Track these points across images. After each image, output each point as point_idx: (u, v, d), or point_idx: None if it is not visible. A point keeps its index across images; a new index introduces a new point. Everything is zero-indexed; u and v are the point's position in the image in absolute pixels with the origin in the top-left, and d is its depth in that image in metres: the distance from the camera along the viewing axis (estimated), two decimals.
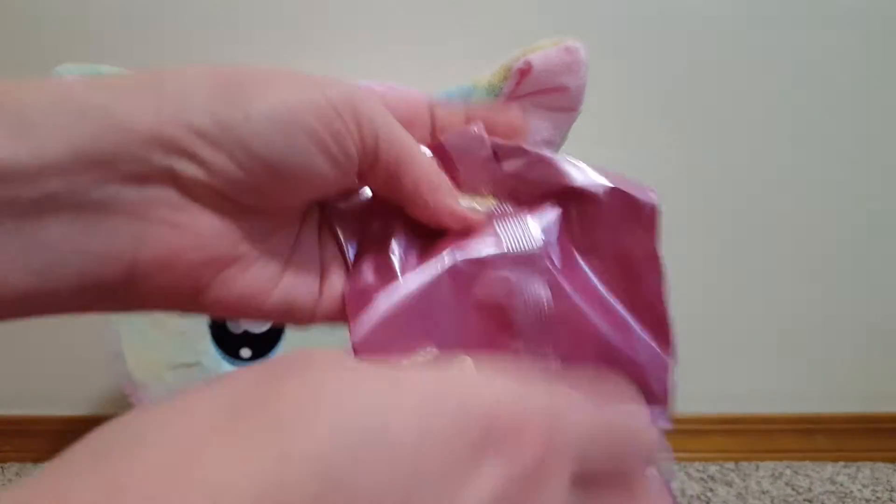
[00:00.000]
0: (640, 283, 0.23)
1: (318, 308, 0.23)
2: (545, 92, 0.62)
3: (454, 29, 0.84)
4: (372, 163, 0.20)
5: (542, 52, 0.60)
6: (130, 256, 0.18)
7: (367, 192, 0.24)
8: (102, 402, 0.93)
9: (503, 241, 0.23)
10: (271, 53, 0.82)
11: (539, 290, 0.23)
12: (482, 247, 0.23)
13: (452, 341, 0.22)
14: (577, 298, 0.23)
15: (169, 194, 0.18)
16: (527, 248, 0.23)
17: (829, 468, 0.85)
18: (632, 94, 0.86)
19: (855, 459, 0.87)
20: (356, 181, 0.21)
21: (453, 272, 0.22)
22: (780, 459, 0.87)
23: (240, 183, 0.18)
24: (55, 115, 0.16)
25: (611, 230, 0.23)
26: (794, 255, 0.88)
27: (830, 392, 0.90)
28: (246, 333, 0.68)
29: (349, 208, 0.24)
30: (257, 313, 0.21)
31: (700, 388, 0.90)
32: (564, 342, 0.23)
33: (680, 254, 0.89)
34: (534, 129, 0.65)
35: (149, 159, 0.17)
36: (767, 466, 0.85)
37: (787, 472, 0.84)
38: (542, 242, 0.23)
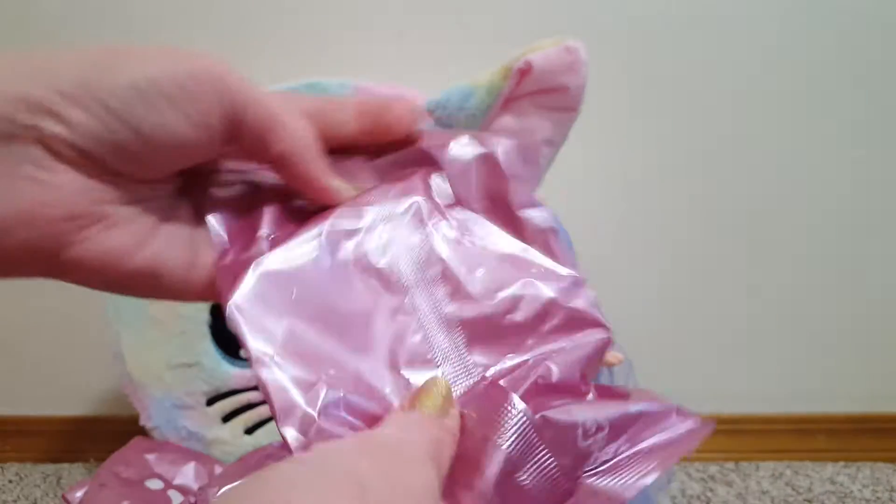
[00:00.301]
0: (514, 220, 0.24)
1: (189, 279, 0.23)
2: (545, 92, 0.62)
3: (454, 29, 0.84)
4: (237, 130, 0.21)
5: (543, 52, 0.60)
6: None
7: (249, 174, 0.25)
8: (102, 402, 0.93)
9: (373, 208, 0.23)
10: (269, 53, 0.82)
11: (413, 238, 0.23)
12: (354, 218, 0.23)
13: (340, 307, 0.22)
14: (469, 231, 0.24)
15: (34, 152, 0.19)
16: (395, 209, 0.24)
17: (829, 468, 0.85)
18: (632, 94, 0.85)
19: (855, 459, 0.87)
20: (222, 147, 0.22)
21: (330, 240, 0.22)
22: (781, 459, 0.87)
23: (103, 143, 0.19)
24: None
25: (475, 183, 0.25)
26: (794, 255, 0.88)
27: (830, 392, 0.90)
28: None
29: (225, 187, 0.24)
30: (119, 275, 0.21)
31: (700, 388, 0.90)
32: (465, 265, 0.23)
33: (680, 254, 0.89)
34: (534, 129, 0.65)
35: (13, 118, 0.18)
36: (767, 466, 0.85)
37: (788, 472, 0.84)
38: (412, 201, 0.24)
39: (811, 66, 0.84)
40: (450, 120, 0.66)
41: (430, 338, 0.22)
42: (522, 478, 0.19)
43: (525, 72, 0.61)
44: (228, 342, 0.68)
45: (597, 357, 0.23)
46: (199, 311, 0.66)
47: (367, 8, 0.82)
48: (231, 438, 0.67)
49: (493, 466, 0.19)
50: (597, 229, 0.87)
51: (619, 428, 0.21)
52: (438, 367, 0.22)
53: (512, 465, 0.19)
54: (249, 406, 0.68)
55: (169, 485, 0.62)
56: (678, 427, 0.22)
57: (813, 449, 0.88)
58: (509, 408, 0.20)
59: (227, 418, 0.68)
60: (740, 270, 0.88)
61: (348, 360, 0.21)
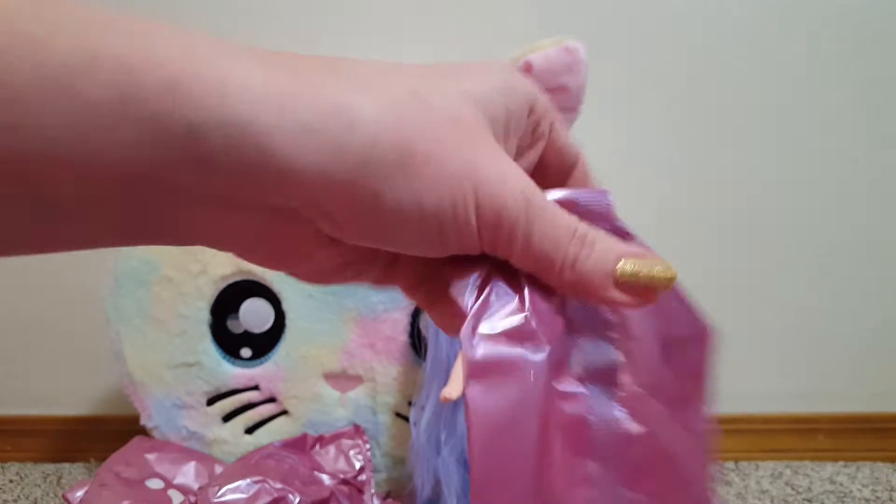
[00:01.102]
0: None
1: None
2: (545, 92, 0.63)
3: (454, 30, 0.84)
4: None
5: (543, 53, 0.60)
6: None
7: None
8: (103, 402, 0.93)
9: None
10: None
11: (613, 412, 0.21)
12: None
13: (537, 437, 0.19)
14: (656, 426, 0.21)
15: (307, 233, 0.19)
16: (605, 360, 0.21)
17: (828, 468, 0.85)
18: (632, 94, 0.86)
19: (854, 459, 0.87)
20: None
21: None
22: (780, 459, 0.87)
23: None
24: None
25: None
26: (793, 255, 0.88)
27: (830, 392, 0.90)
28: (246, 333, 0.68)
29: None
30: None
31: None
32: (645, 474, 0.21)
33: (679, 253, 0.89)
34: None
35: (297, 209, 0.18)
36: (767, 466, 0.85)
37: (787, 471, 0.84)
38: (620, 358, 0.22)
39: (811, 66, 0.85)
40: None
41: None
42: None
43: (525, 72, 0.61)
44: (229, 342, 0.68)
45: None
46: (200, 311, 0.66)
47: (367, 8, 0.82)
48: (231, 438, 0.67)
49: None
50: None
51: None
52: None
53: None
54: (250, 406, 0.68)
55: (169, 484, 0.62)
56: None
57: (812, 448, 0.88)
58: None
59: (227, 418, 0.68)
60: (740, 270, 0.89)
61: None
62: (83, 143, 0.14)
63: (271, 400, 0.68)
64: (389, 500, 0.66)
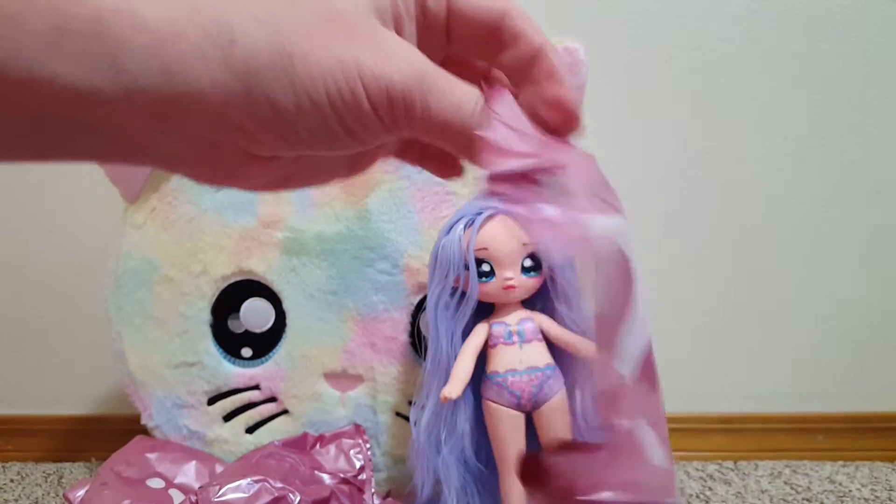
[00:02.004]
0: None
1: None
2: None
3: None
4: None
5: None
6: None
7: None
8: (104, 402, 0.93)
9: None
10: None
11: None
12: None
13: None
14: None
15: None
16: None
17: (827, 467, 0.85)
18: (631, 95, 0.86)
19: (853, 459, 0.87)
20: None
21: None
22: (779, 458, 0.87)
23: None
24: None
25: None
26: (793, 255, 0.88)
27: (829, 392, 0.90)
28: (247, 333, 0.68)
29: None
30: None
31: (699, 387, 0.90)
32: None
33: (678, 253, 0.89)
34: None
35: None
36: (766, 465, 0.86)
37: (786, 471, 0.84)
38: None
39: (811, 66, 0.85)
40: None
41: None
42: None
43: None
44: (229, 342, 0.68)
45: None
46: (201, 311, 0.67)
47: None
48: (232, 437, 0.68)
49: None
50: None
51: None
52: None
53: None
54: (250, 405, 0.68)
55: (170, 484, 0.62)
56: None
57: (811, 448, 0.88)
58: None
59: (227, 417, 0.68)
60: (739, 270, 0.89)
61: None
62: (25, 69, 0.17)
63: (272, 399, 0.68)
64: (390, 500, 0.66)
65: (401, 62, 0.19)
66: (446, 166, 0.25)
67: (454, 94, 0.20)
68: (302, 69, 0.18)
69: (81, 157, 0.20)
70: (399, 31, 0.21)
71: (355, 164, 0.25)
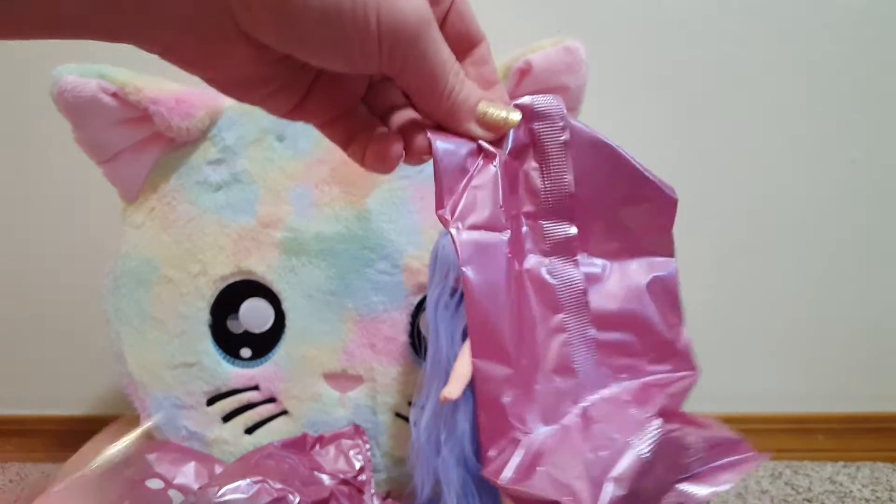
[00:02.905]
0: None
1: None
2: (545, 92, 0.63)
3: None
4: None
5: (542, 52, 0.60)
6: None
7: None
8: (103, 402, 0.93)
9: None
10: None
11: (572, 274, 0.28)
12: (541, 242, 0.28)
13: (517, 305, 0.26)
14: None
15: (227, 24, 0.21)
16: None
17: (828, 468, 0.85)
18: (632, 94, 0.86)
19: (854, 459, 0.87)
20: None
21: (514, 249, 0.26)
22: (780, 459, 0.87)
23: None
24: None
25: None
26: (793, 255, 0.88)
27: (830, 392, 0.90)
28: (246, 333, 0.68)
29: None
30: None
31: (699, 387, 0.90)
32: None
33: (678, 253, 0.89)
34: None
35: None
36: (767, 466, 0.86)
37: (787, 471, 0.84)
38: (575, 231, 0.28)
39: (811, 66, 0.85)
40: None
41: (576, 351, 0.28)
42: (644, 480, 0.24)
43: (525, 71, 0.61)
44: (228, 342, 0.68)
45: (686, 394, 0.31)
46: (200, 312, 0.67)
47: None
48: (231, 438, 0.68)
49: (625, 463, 0.24)
50: None
51: (712, 449, 0.28)
52: (578, 372, 0.28)
53: (641, 468, 0.24)
54: (249, 406, 0.68)
55: (169, 484, 0.62)
56: (745, 452, 0.29)
57: (812, 448, 0.88)
58: (651, 421, 0.26)
59: (227, 418, 0.68)
60: (739, 270, 0.89)
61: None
62: None
63: (271, 400, 0.68)
64: (389, 500, 0.66)
65: (417, 5, 0.21)
66: (372, 156, 0.26)
67: (445, 51, 0.23)
68: None
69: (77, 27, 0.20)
70: None
71: (303, 105, 0.26)
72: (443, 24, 0.24)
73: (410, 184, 0.66)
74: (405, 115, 0.27)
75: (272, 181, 0.66)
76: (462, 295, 0.60)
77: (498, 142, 0.26)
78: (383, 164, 0.26)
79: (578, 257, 0.29)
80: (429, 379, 0.60)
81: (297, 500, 0.55)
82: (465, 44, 0.25)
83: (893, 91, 0.85)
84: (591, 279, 0.29)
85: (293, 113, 0.26)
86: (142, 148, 0.65)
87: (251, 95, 0.25)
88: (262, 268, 0.66)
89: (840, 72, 0.84)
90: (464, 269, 0.24)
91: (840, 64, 0.84)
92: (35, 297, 0.92)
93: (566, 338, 0.28)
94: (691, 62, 0.85)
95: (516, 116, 0.25)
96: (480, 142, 0.25)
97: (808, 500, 0.76)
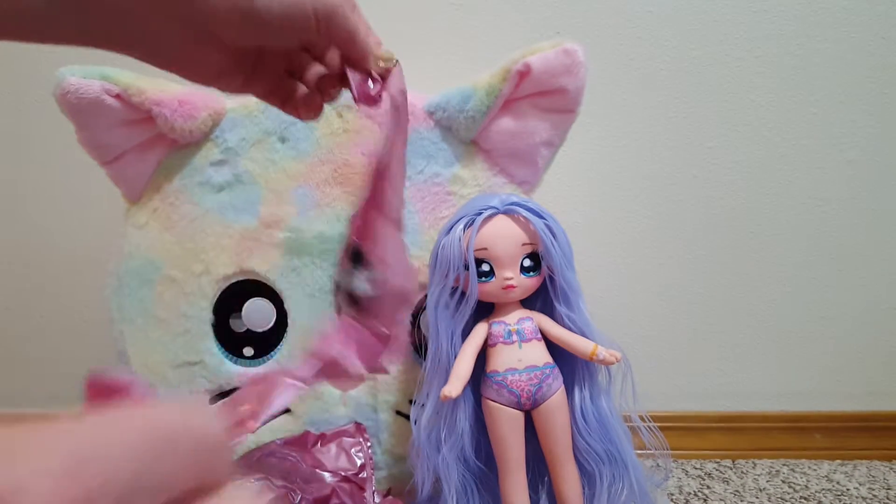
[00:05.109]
0: None
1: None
2: (544, 94, 0.63)
3: (452, 32, 0.85)
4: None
5: (541, 55, 0.61)
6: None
7: None
8: None
9: None
10: None
11: None
12: None
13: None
14: None
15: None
16: None
17: (825, 466, 0.86)
18: (630, 96, 0.86)
19: (851, 457, 0.88)
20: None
21: None
22: (777, 457, 0.88)
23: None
24: None
25: None
26: (791, 255, 0.89)
27: (827, 390, 0.91)
28: (248, 332, 0.68)
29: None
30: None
31: (698, 386, 0.91)
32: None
33: (678, 253, 0.90)
34: (533, 130, 0.65)
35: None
36: (764, 464, 0.86)
37: (784, 469, 0.85)
38: None
39: (810, 66, 0.85)
40: (449, 122, 0.67)
41: None
42: None
43: (524, 74, 0.61)
44: (231, 341, 0.69)
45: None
46: (203, 311, 0.67)
47: (369, 11, 0.82)
48: None
49: None
50: (596, 229, 0.87)
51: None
52: None
53: None
54: None
55: None
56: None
57: (809, 447, 0.89)
58: None
59: None
60: (738, 270, 0.89)
61: None
62: None
63: None
64: (390, 498, 0.67)
65: None
66: (304, 108, 0.37)
67: (363, 23, 0.35)
68: None
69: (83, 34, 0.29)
70: None
71: (249, 81, 0.35)
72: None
73: (410, 184, 0.67)
74: (315, 71, 0.36)
75: (274, 182, 0.67)
76: (462, 294, 0.60)
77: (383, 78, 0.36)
78: (315, 113, 0.37)
79: None
80: (429, 378, 0.61)
81: (299, 497, 0.56)
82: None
83: (891, 91, 0.85)
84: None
85: (242, 88, 0.35)
86: (145, 149, 0.66)
87: (215, 82, 0.33)
88: (265, 267, 0.67)
89: (838, 72, 0.85)
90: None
91: (839, 64, 0.85)
92: (35, 296, 0.92)
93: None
94: (690, 62, 0.85)
95: (391, 56, 0.36)
96: (373, 72, 0.36)
97: (805, 499, 0.77)
